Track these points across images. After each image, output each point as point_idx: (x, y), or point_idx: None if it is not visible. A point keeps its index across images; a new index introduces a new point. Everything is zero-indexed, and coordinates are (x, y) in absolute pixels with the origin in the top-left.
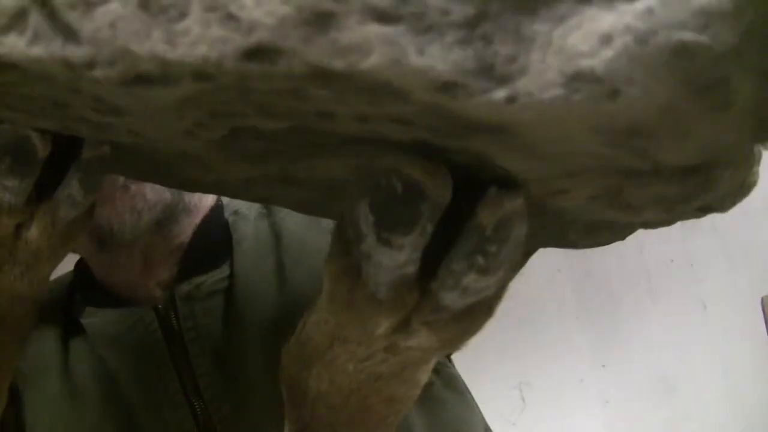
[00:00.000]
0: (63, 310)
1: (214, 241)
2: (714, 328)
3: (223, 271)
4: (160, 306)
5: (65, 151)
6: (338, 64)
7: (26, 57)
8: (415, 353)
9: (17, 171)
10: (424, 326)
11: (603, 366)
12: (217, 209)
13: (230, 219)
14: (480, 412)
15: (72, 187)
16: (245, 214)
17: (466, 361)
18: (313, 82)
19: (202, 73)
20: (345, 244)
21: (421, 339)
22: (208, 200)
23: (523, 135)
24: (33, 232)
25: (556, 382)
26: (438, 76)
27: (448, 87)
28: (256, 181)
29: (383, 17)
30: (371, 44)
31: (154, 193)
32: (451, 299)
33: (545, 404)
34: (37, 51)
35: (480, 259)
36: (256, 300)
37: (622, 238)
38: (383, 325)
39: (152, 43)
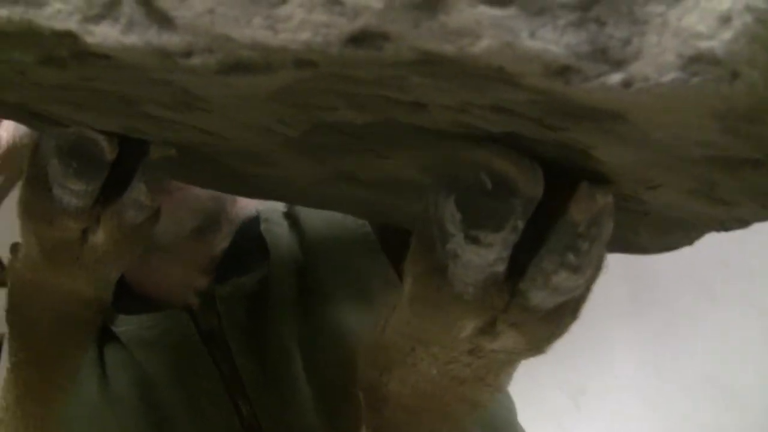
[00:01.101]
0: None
1: (251, 245)
2: None
3: (261, 273)
4: (194, 308)
5: (130, 154)
6: (448, 48)
7: (120, 46)
8: (500, 356)
9: (84, 174)
10: (512, 328)
11: (658, 372)
12: (254, 219)
13: (263, 227)
14: (514, 409)
15: (139, 190)
16: (276, 221)
17: (520, 367)
18: (418, 69)
19: (304, 60)
20: (429, 243)
21: (507, 341)
22: (250, 210)
23: (635, 122)
24: (99, 236)
25: (610, 389)
26: (552, 59)
27: (562, 71)
28: (321, 182)
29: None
30: (482, 27)
31: (197, 201)
32: (541, 299)
33: (599, 410)
34: (132, 40)
35: (572, 257)
36: (292, 300)
37: (690, 242)
38: (469, 327)
39: (253, 30)
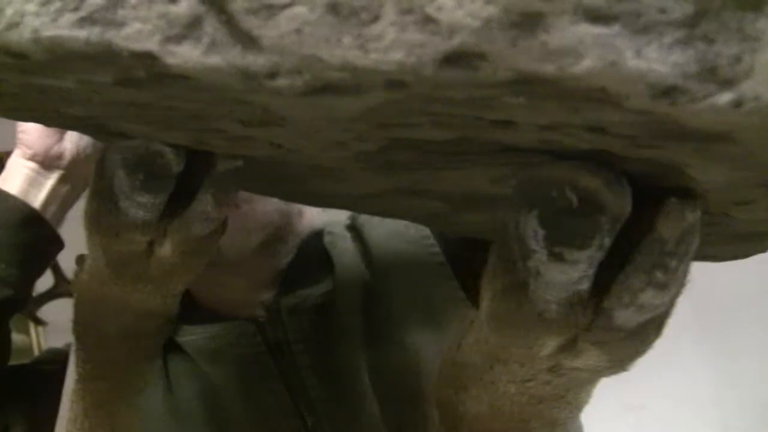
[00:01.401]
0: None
1: (315, 259)
2: None
3: (326, 285)
4: (261, 319)
5: (195, 166)
6: (548, 68)
7: (202, 67)
8: (581, 374)
9: (151, 187)
10: (594, 346)
11: (720, 391)
12: (318, 232)
13: (327, 239)
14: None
15: (206, 202)
16: (340, 234)
17: None
18: (513, 89)
19: (396, 80)
20: (509, 260)
21: (589, 359)
22: (314, 223)
23: (743, 143)
24: (166, 249)
25: (673, 406)
26: (658, 80)
27: (668, 92)
28: (385, 193)
29: (597, 17)
30: (585, 46)
31: (264, 215)
32: (626, 317)
33: (662, 428)
34: (214, 60)
35: (659, 275)
36: (358, 312)
37: (764, 249)
38: (550, 345)
39: (343, 50)
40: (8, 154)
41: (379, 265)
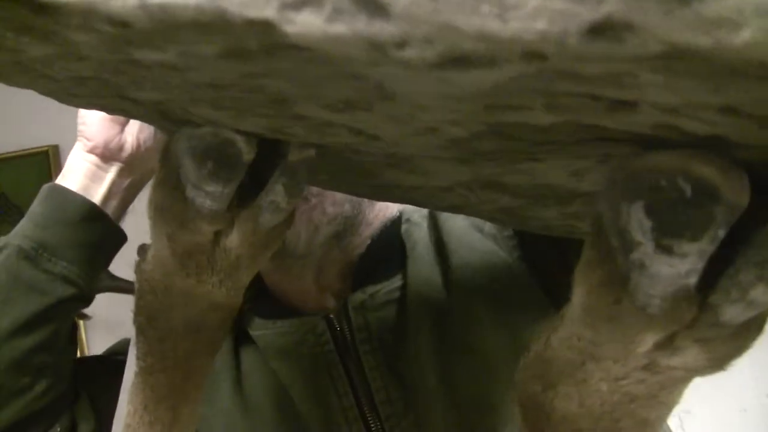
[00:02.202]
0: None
1: (389, 250)
2: None
3: (397, 281)
4: (331, 316)
5: (265, 155)
6: (703, 41)
7: (324, 37)
8: (677, 373)
9: (220, 176)
10: (696, 343)
11: (767, 395)
12: (396, 219)
13: (404, 228)
14: None
15: (276, 193)
16: (417, 222)
17: None
18: (656, 64)
19: (534, 53)
20: (607, 252)
21: (687, 357)
22: (391, 212)
23: None
24: (233, 240)
25: (717, 411)
26: None
27: None
28: (459, 186)
29: None
30: (744, 16)
31: (334, 207)
32: (732, 314)
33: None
34: (338, 29)
35: None
36: (428, 310)
37: None
38: (648, 342)
39: (481, 18)
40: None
41: (456, 260)
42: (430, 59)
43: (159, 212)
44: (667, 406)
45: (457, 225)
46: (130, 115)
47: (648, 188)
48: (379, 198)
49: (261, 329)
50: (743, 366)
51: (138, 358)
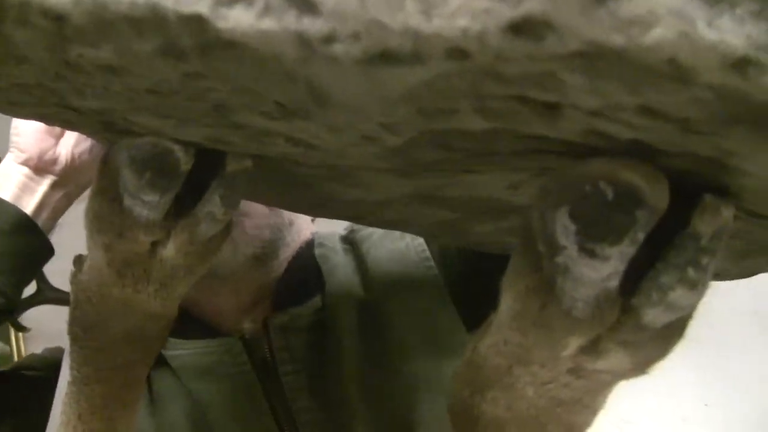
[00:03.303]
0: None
1: (307, 272)
2: None
3: (316, 302)
4: (247, 336)
5: (202, 166)
6: (617, 39)
7: (255, 32)
8: (602, 377)
9: (158, 185)
10: (619, 347)
11: (706, 405)
12: (310, 243)
13: (318, 252)
14: None
15: (213, 203)
16: (333, 246)
17: None
18: (576, 63)
19: (457, 49)
20: (533, 258)
21: (611, 361)
22: (306, 235)
23: None
24: (170, 250)
25: (657, 421)
26: (731, 51)
27: (740, 64)
28: (397, 200)
29: None
30: (656, 15)
31: (254, 229)
32: (654, 316)
33: None
34: (268, 25)
35: (691, 272)
36: (349, 331)
37: (766, 269)
38: (573, 345)
39: (406, 14)
40: None
41: (378, 285)
42: (356, 55)
43: (96, 222)
44: (593, 411)
45: (380, 253)
46: (72, 126)
47: (573, 193)
48: (318, 214)
49: (176, 349)
50: (683, 375)
51: (72, 369)
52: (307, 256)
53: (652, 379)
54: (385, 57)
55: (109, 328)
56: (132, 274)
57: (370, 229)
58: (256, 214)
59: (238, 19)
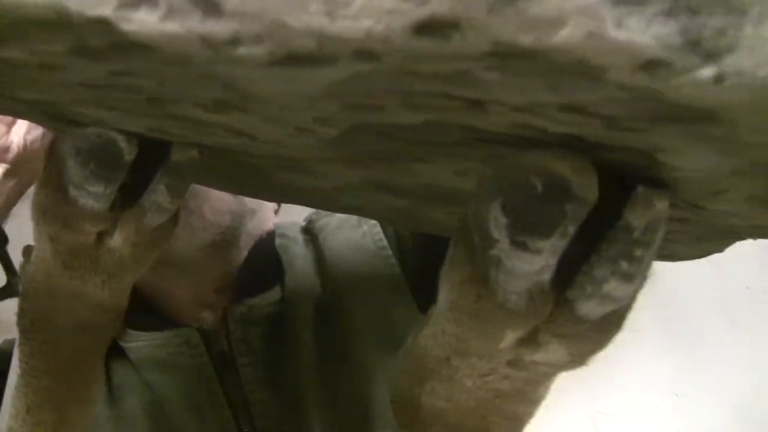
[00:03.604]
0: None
1: (266, 263)
2: None
3: (275, 294)
4: (205, 327)
5: (150, 156)
6: (525, 38)
7: (159, 34)
8: (540, 368)
9: (102, 176)
10: (555, 339)
11: (676, 394)
12: (271, 233)
13: (278, 242)
14: None
15: (158, 193)
16: (293, 237)
17: None
18: (489, 62)
19: (364, 50)
20: (469, 250)
21: (549, 353)
22: (268, 224)
23: (726, 122)
24: (116, 240)
25: (630, 411)
26: (640, 51)
27: (649, 64)
28: (350, 187)
29: None
30: (565, 15)
31: (213, 214)
32: (588, 309)
33: None
34: (172, 27)
35: (624, 265)
36: (307, 323)
37: (722, 249)
38: (510, 337)
39: (309, 16)
40: None
41: (335, 276)
42: (262, 57)
43: (42, 213)
44: (534, 402)
45: (337, 242)
46: (21, 116)
47: (505, 186)
48: (276, 199)
49: (134, 341)
50: (654, 366)
51: (21, 361)
52: (268, 247)
53: (628, 373)
54: (292, 58)
55: (57, 319)
56: (79, 264)
57: (327, 219)
58: (216, 199)
59: (143, 22)
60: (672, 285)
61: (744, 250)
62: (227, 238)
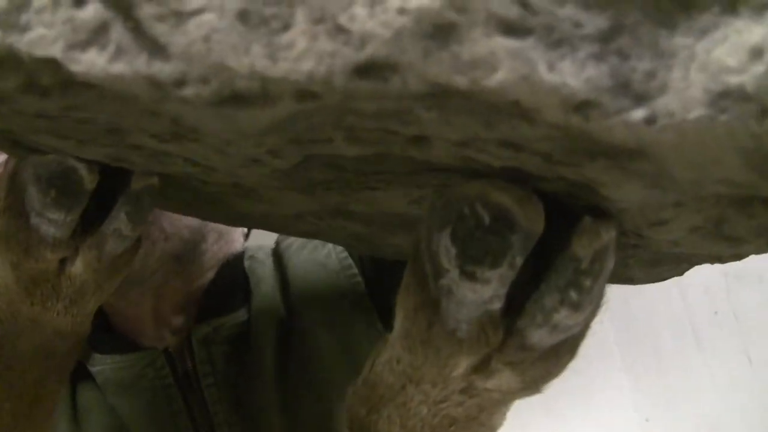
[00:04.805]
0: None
1: (233, 284)
2: (760, 381)
3: (242, 315)
4: (170, 350)
5: (111, 184)
6: (460, 80)
7: (106, 75)
8: (494, 395)
9: (63, 203)
10: (507, 367)
11: (647, 420)
12: (239, 255)
13: (247, 264)
14: None
15: (119, 221)
16: (261, 259)
17: (508, 415)
18: (426, 102)
19: (305, 91)
20: (421, 278)
21: (501, 380)
22: (235, 247)
23: (656, 160)
24: (78, 267)
25: None
26: (572, 94)
27: (581, 106)
28: (308, 214)
29: (510, 29)
30: (498, 59)
31: (171, 226)
32: (539, 337)
33: None
34: (119, 68)
35: (573, 294)
36: (271, 344)
37: (680, 273)
38: (462, 365)
39: (252, 58)
40: None
41: (298, 296)
42: (207, 97)
43: (3, 240)
44: (489, 429)
45: (300, 263)
46: None
47: (454, 216)
48: (236, 224)
49: (99, 365)
50: (623, 391)
51: None
52: (237, 269)
53: (595, 396)
54: (235, 99)
55: (20, 345)
56: (40, 291)
57: (291, 239)
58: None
59: (91, 63)
60: (639, 311)
61: (711, 274)
62: (186, 253)
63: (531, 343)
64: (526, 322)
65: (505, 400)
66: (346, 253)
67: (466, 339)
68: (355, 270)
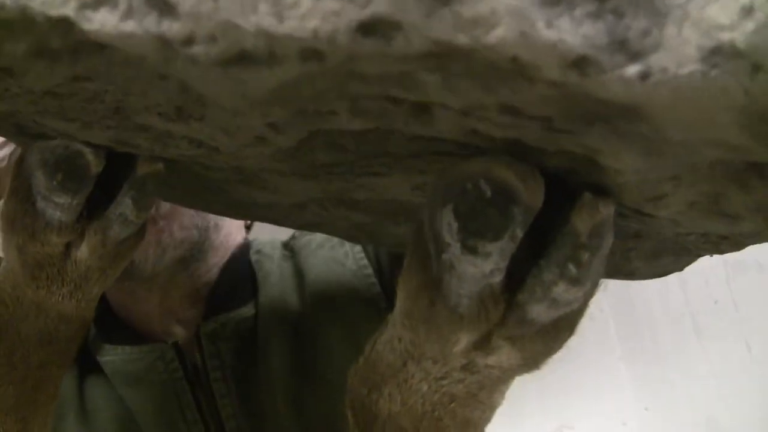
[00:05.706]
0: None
1: (240, 279)
2: (760, 369)
3: (249, 310)
4: (180, 343)
5: (116, 169)
6: (461, 38)
7: (118, 34)
8: (494, 372)
9: (69, 187)
10: (507, 342)
11: (646, 409)
12: (244, 248)
13: (254, 258)
14: None
15: (124, 206)
16: (269, 254)
17: (506, 402)
18: (428, 63)
19: (310, 50)
20: (423, 257)
21: (501, 356)
22: (236, 239)
23: (650, 118)
24: (83, 251)
25: (598, 425)
26: (569, 50)
27: (578, 62)
28: (311, 203)
29: None
30: (498, 16)
31: (182, 231)
32: (539, 312)
33: None
34: (130, 27)
35: (572, 269)
36: (280, 339)
37: (681, 268)
38: (463, 341)
39: (259, 17)
40: None
41: (313, 293)
42: (215, 56)
43: (10, 224)
44: (489, 407)
45: (317, 261)
46: None
47: (456, 192)
48: (238, 216)
49: (109, 355)
50: (623, 379)
51: None
52: (242, 263)
53: (594, 385)
54: (242, 58)
55: (24, 329)
56: (46, 275)
57: (310, 237)
58: (182, 215)
59: (103, 22)
60: (639, 300)
61: (711, 264)
62: (194, 253)
63: (531, 317)
64: (526, 296)
65: (504, 377)
66: (363, 254)
67: (467, 314)
68: (371, 270)
